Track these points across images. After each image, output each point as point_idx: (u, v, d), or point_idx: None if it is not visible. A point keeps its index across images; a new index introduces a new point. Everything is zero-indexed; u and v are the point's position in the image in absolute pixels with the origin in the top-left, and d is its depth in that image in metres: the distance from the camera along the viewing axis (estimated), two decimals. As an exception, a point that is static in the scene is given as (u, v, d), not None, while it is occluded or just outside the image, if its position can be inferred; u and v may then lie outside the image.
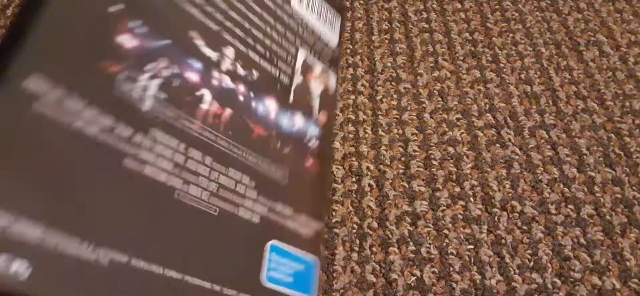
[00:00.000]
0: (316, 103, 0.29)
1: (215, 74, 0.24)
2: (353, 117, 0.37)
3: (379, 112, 0.37)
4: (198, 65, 0.23)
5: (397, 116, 0.36)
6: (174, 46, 0.22)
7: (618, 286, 0.29)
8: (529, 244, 0.31)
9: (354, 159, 0.34)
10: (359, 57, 0.41)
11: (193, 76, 0.23)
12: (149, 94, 0.21)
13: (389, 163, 0.34)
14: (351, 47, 0.42)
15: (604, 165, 0.35)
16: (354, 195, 0.32)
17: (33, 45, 0.18)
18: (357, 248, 0.30)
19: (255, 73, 0.25)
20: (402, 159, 0.34)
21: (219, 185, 0.22)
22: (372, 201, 0.32)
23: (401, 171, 0.33)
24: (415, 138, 0.35)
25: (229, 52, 0.25)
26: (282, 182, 0.25)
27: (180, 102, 0.22)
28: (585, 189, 0.33)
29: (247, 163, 0.24)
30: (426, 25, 0.43)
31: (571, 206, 0.32)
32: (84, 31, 0.20)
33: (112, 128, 0.19)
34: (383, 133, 0.35)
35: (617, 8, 0.45)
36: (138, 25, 0.21)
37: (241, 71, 0.25)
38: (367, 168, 0.34)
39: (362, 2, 0.46)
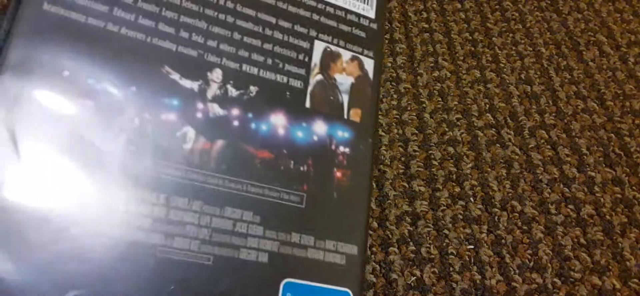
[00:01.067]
0: (345, 99, 0.24)
1: (199, 105, 0.21)
2: (353, 117, 0.37)
3: (379, 112, 0.37)
4: (175, 102, 0.21)
5: (397, 116, 0.36)
6: (142, 91, 0.20)
7: (618, 286, 0.29)
8: (529, 245, 0.31)
9: (354, 159, 0.34)
10: (359, 57, 0.41)
11: (170, 117, 0.20)
12: (118, 151, 0.19)
13: (388, 163, 0.34)
14: (351, 47, 0.42)
15: (604, 165, 0.35)
16: (354, 195, 0.32)
17: None
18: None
19: (252, 89, 0.22)
20: (402, 159, 0.34)
21: (211, 230, 0.20)
22: (372, 201, 0.32)
23: (401, 171, 0.33)
24: (415, 138, 0.35)
25: (216, 75, 0.22)
26: (298, 208, 0.22)
27: (157, 149, 0.20)
28: (585, 189, 0.33)
29: (249, 196, 0.21)
30: (426, 25, 0.43)
31: (571, 206, 0.32)
32: (37, 106, 0.19)
33: (77, 199, 0.18)
34: (383, 133, 0.35)
35: (617, 8, 0.45)
36: (95, 82, 0.20)
37: (233, 92, 0.22)
38: (367, 168, 0.34)
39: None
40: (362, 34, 0.25)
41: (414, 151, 0.35)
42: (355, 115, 0.24)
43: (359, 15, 0.25)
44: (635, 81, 0.40)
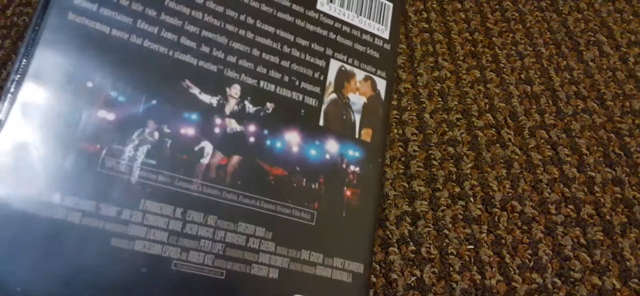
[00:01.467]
0: (357, 119, 0.25)
1: (217, 120, 0.21)
2: (353, 117, 0.36)
3: (379, 112, 0.37)
4: (194, 117, 0.21)
5: (397, 116, 0.36)
6: (163, 104, 0.20)
7: (618, 286, 0.29)
8: (529, 245, 0.31)
9: (354, 159, 0.34)
10: (359, 57, 0.41)
11: (189, 131, 0.21)
12: (137, 164, 0.20)
13: (388, 163, 0.34)
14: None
15: (604, 165, 0.35)
16: (354, 195, 0.32)
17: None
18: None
19: (269, 105, 0.23)
20: (402, 159, 0.34)
21: (225, 245, 0.20)
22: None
23: (401, 171, 0.33)
24: (415, 138, 0.35)
25: (234, 90, 0.22)
26: (308, 225, 0.22)
27: (174, 163, 0.20)
28: (585, 189, 0.33)
29: (262, 212, 0.21)
30: (426, 25, 0.43)
31: (571, 206, 0.32)
32: (60, 118, 0.19)
33: (96, 210, 0.19)
34: (383, 133, 0.35)
35: (617, 8, 0.45)
36: (118, 94, 0.20)
37: (250, 108, 0.22)
38: (367, 168, 0.34)
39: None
40: (376, 55, 0.26)
41: (414, 151, 0.35)
42: (366, 135, 0.25)
43: (374, 36, 0.26)
44: (635, 81, 0.40)
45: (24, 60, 0.19)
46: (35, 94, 0.19)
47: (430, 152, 0.34)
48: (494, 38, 0.42)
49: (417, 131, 0.36)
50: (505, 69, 0.40)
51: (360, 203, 0.24)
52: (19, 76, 0.19)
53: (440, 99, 0.38)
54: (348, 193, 0.23)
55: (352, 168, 0.24)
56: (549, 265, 0.30)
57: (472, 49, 0.41)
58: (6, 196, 0.17)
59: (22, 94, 0.18)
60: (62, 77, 0.19)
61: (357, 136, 0.24)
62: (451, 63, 0.40)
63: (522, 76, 0.40)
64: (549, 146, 0.35)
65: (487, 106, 0.38)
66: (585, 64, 0.41)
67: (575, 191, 0.33)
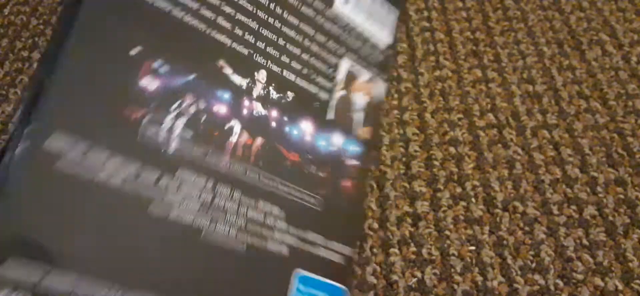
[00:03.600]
0: (359, 117, 0.26)
1: (246, 102, 0.23)
2: (354, 117, 0.36)
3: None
4: (227, 96, 0.22)
5: (398, 116, 0.36)
6: (199, 80, 0.21)
7: (621, 287, 0.29)
8: (531, 246, 0.30)
9: (354, 159, 0.34)
10: (359, 56, 0.41)
11: (221, 108, 0.22)
12: (175, 135, 0.20)
13: (389, 163, 0.34)
14: (352, 46, 0.42)
15: (606, 165, 0.34)
16: (355, 196, 0.32)
17: (52, 103, 0.18)
18: (357, 250, 0.30)
19: (289, 94, 0.24)
20: (403, 159, 0.34)
21: (247, 220, 0.22)
22: (372, 201, 0.32)
23: (402, 171, 0.33)
24: (417, 138, 0.35)
25: (261, 76, 0.23)
26: (315, 209, 0.24)
27: (208, 138, 0.21)
28: (588, 189, 0.33)
29: (278, 193, 0.23)
30: (427, 24, 0.43)
31: (574, 207, 0.32)
32: (105, 80, 0.19)
33: (137, 175, 0.19)
34: (384, 133, 0.35)
35: (620, 7, 0.45)
36: (160, 65, 0.20)
37: (274, 95, 0.24)
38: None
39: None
40: (381, 58, 0.28)
41: (415, 151, 0.34)
42: (367, 132, 0.27)
43: (379, 40, 0.28)
44: (638, 80, 0.39)
45: (67, 25, 0.19)
46: (78, 58, 0.19)
47: (431, 152, 0.34)
48: (495, 37, 0.42)
49: (418, 131, 0.35)
50: (507, 69, 0.40)
51: (355, 193, 0.26)
52: (62, 39, 0.19)
53: (441, 98, 0.37)
54: (348, 183, 0.25)
55: (352, 161, 0.26)
56: (551, 266, 0.30)
57: (474, 48, 0.41)
58: (51, 155, 0.17)
59: (65, 58, 0.18)
60: (105, 42, 0.19)
61: (359, 132, 0.26)
62: (452, 62, 0.40)
63: (524, 75, 0.39)
64: (551, 146, 0.35)
65: (489, 105, 0.37)
66: (588, 64, 0.40)
67: (578, 192, 0.33)
